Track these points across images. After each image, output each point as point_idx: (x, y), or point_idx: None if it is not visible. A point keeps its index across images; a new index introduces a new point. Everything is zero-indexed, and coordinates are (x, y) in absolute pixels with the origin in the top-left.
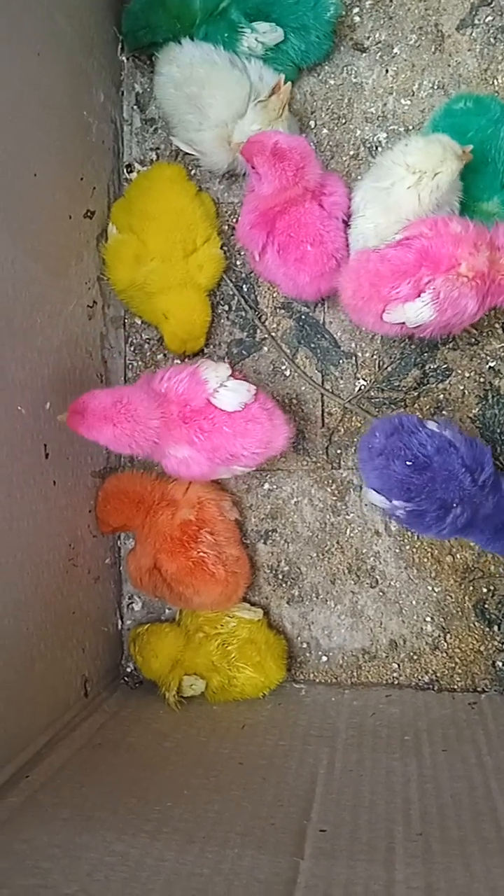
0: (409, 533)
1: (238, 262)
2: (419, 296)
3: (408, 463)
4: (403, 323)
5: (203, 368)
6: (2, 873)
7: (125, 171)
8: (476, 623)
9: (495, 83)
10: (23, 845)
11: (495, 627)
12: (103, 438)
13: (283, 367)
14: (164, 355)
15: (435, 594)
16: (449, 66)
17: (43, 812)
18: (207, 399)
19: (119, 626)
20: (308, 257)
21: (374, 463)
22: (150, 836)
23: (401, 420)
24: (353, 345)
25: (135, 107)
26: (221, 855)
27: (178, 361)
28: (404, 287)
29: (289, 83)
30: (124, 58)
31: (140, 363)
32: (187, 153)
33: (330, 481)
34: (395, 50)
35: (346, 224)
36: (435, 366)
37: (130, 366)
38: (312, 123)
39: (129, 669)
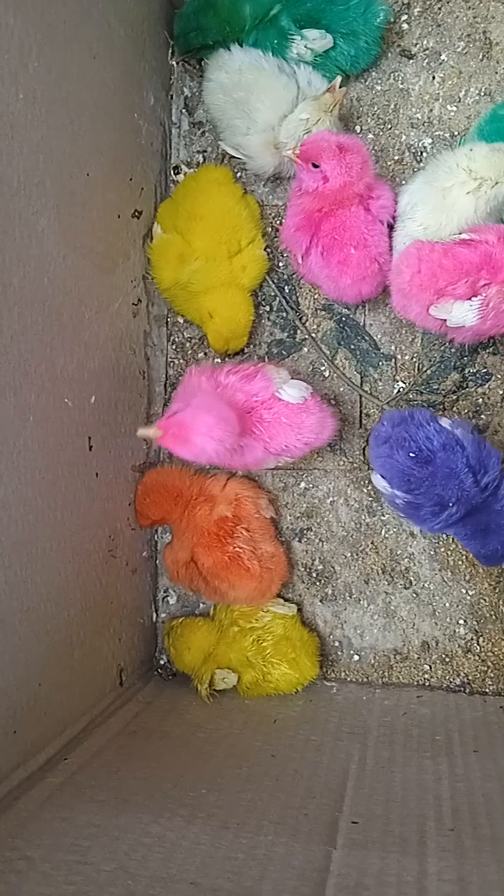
0: (444, 536)
1: (280, 264)
2: (471, 298)
3: (411, 454)
4: (445, 321)
5: (267, 369)
6: (44, 848)
7: (172, 172)
8: None
9: None
10: (63, 823)
11: None
12: (205, 457)
13: (323, 368)
14: (205, 353)
15: (469, 597)
16: (496, 73)
17: (81, 793)
18: (272, 393)
19: (154, 619)
20: (351, 260)
21: (379, 450)
22: (185, 820)
23: (412, 413)
24: (392, 347)
25: (183, 110)
26: (255, 841)
27: (219, 360)
28: (461, 285)
29: (345, 87)
30: (174, 62)
31: (181, 361)
32: (234, 156)
33: (366, 482)
34: (443, 57)
35: (391, 228)
36: (474, 370)
37: (172, 363)
38: (358, 129)
39: (162, 662)
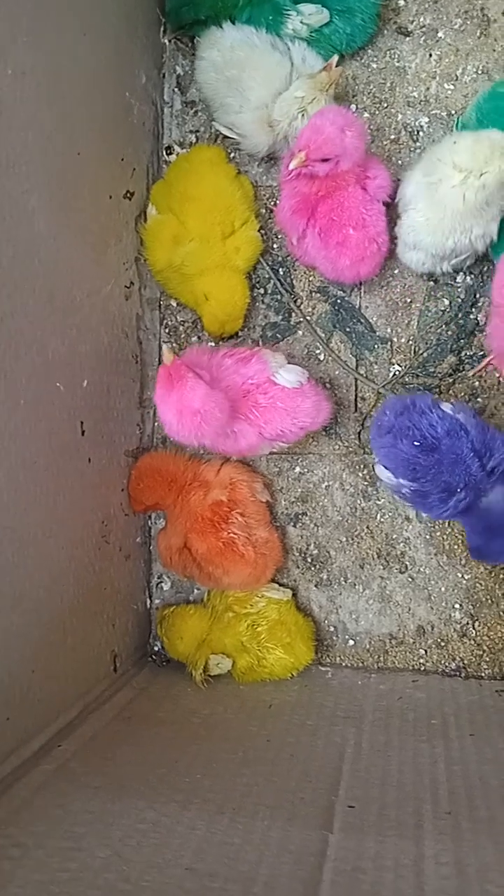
0: (440, 520)
1: (275, 246)
2: None
3: (415, 443)
4: None
5: (263, 353)
6: (38, 835)
7: (164, 153)
8: None
9: None
10: (57, 810)
11: None
12: (170, 419)
13: (318, 352)
14: (199, 338)
15: (465, 581)
16: (494, 50)
17: (75, 780)
18: (267, 377)
19: (148, 605)
20: (350, 241)
21: (382, 441)
22: (180, 805)
23: (413, 400)
24: (388, 330)
25: (175, 89)
26: (252, 826)
27: (213, 344)
28: None
29: (341, 66)
30: (166, 40)
31: (175, 345)
32: (227, 136)
33: (361, 466)
34: (440, 34)
35: (388, 206)
36: (471, 353)
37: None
38: (354, 107)
39: (156, 648)
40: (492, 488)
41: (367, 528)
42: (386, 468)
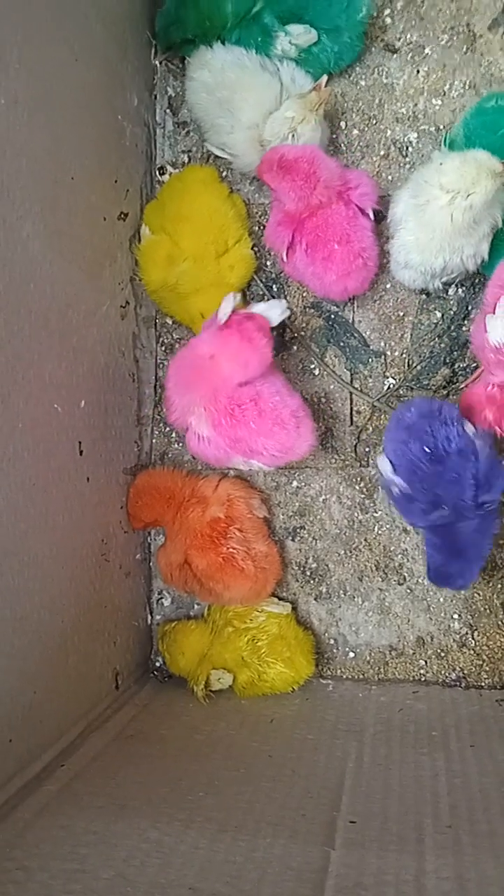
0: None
1: (268, 263)
2: None
3: (425, 448)
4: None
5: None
6: (41, 857)
7: (157, 173)
8: None
9: None
10: (60, 832)
11: None
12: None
13: (312, 366)
14: None
15: (462, 592)
16: (480, 65)
17: (78, 800)
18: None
19: (149, 621)
20: (335, 256)
21: (397, 434)
22: (183, 824)
23: (441, 407)
24: (382, 343)
25: (167, 110)
26: (254, 844)
27: None
28: None
29: (330, 86)
30: (157, 62)
31: None
32: (219, 156)
33: (358, 479)
34: (427, 50)
35: (380, 222)
36: (465, 364)
37: (161, 365)
38: (343, 124)
39: (158, 664)
40: (473, 518)
41: (365, 540)
42: (389, 461)
